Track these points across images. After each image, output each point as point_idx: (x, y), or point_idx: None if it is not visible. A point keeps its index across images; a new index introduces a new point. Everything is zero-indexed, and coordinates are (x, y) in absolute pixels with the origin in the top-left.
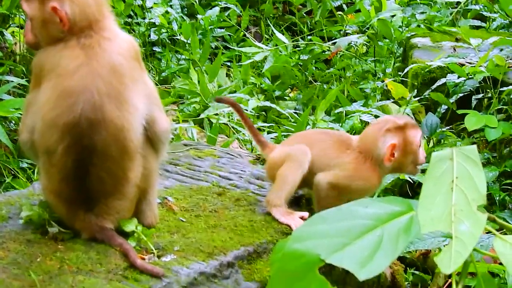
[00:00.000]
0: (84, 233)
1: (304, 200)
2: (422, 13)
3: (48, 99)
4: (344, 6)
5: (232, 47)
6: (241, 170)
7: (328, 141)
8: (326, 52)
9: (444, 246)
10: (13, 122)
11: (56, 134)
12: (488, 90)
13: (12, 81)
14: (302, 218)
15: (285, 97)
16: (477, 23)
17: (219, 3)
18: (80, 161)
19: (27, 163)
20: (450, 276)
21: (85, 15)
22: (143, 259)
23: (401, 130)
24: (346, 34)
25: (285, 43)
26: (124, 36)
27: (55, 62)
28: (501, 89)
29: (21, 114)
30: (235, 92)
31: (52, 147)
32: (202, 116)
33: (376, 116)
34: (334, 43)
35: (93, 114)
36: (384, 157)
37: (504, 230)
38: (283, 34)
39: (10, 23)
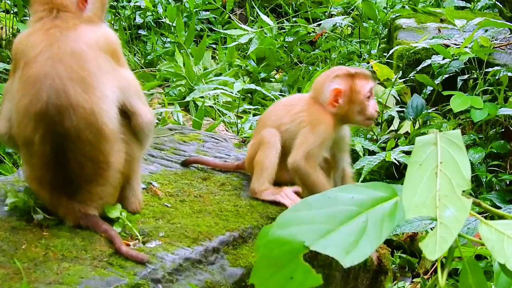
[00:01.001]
0: (68, 220)
1: None
2: None
3: (18, 87)
4: None
5: (217, 30)
6: (226, 155)
7: (279, 105)
8: (311, 34)
9: (431, 229)
10: None
11: (30, 123)
12: (474, 71)
13: None
14: (296, 193)
15: (270, 79)
16: (462, 3)
17: None
18: (58, 148)
19: None
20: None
21: None
22: (128, 245)
23: (350, 77)
24: (331, 16)
25: (270, 25)
26: (98, 29)
27: (23, 48)
28: (486, 70)
29: None
30: (220, 74)
31: (29, 137)
32: (187, 99)
33: None
34: (319, 25)
35: (58, 100)
36: (327, 101)
37: (489, 214)
38: (268, 16)
39: None
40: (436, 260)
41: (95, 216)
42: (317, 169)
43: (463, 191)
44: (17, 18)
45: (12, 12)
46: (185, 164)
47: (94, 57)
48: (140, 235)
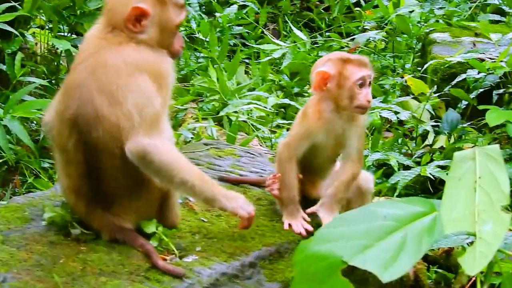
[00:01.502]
0: (103, 233)
1: None
2: (441, 8)
3: (60, 91)
4: (362, 1)
5: (250, 45)
6: (262, 169)
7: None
8: (345, 48)
9: (467, 244)
10: (35, 122)
11: (66, 129)
12: (509, 85)
13: (33, 82)
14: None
15: (304, 94)
16: (497, 17)
17: (237, 0)
18: (91, 158)
19: (48, 163)
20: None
21: (114, 12)
22: (165, 259)
23: (342, 62)
24: (364, 30)
25: (303, 39)
26: (147, 51)
27: (78, 50)
28: None
29: (42, 115)
30: (254, 89)
31: (64, 143)
32: (221, 114)
33: (396, 112)
34: (353, 39)
35: (86, 110)
36: (314, 84)
37: None
38: (301, 30)
39: (31, 24)
40: (473, 276)
41: (130, 230)
42: (290, 162)
43: (502, 206)
44: (52, 34)
45: (47, 27)
46: (223, 180)
47: (127, 74)
48: (177, 250)
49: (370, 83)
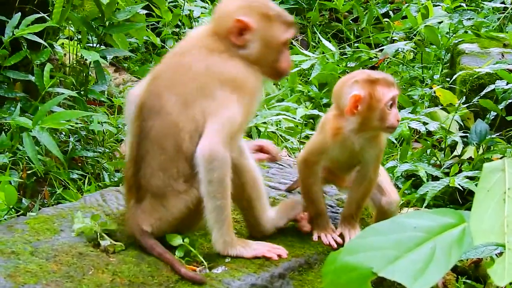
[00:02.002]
0: (126, 226)
1: None
2: (469, 19)
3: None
4: (391, 12)
5: None
6: (291, 180)
7: None
8: (373, 59)
9: (496, 255)
10: (64, 133)
11: (136, 110)
12: None
13: (62, 93)
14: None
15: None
16: None
17: None
18: (140, 145)
19: (77, 174)
20: (504, 287)
21: (221, 21)
22: (194, 270)
23: (371, 83)
24: (393, 41)
25: (332, 50)
26: (236, 65)
27: None
28: None
29: (71, 126)
30: (282, 100)
31: (132, 120)
32: (250, 125)
33: (425, 123)
34: (381, 50)
35: (152, 101)
36: (347, 108)
37: None
38: (330, 41)
39: (60, 35)
40: (502, 287)
41: (148, 234)
42: (311, 176)
43: None
44: (81, 45)
45: (76, 38)
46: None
47: (204, 80)
48: (206, 261)
49: (396, 102)
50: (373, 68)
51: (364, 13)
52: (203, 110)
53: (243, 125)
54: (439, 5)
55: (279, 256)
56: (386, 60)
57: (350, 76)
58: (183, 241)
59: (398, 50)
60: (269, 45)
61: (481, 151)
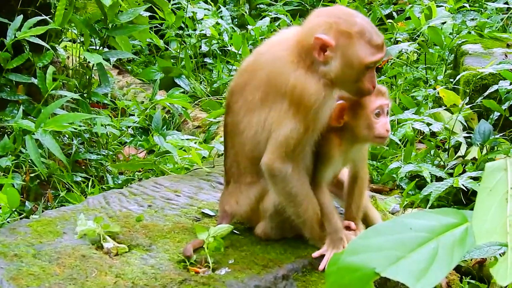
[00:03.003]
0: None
1: None
2: (473, 19)
3: None
4: (394, 13)
5: None
6: None
7: None
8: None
9: (499, 255)
10: (67, 136)
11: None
12: None
13: (65, 96)
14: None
15: None
16: None
17: (269, 13)
18: (224, 135)
19: (81, 176)
20: (506, 286)
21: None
22: (198, 272)
23: None
24: (396, 42)
25: None
26: (308, 80)
27: None
28: None
29: (74, 129)
30: None
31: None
32: None
33: (429, 124)
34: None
35: (229, 96)
36: (333, 117)
37: None
38: None
39: (63, 37)
40: (505, 286)
41: (227, 214)
42: (321, 188)
43: None
44: (84, 47)
45: (78, 41)
46: None
47: (269, 91)
48: (212, 263)
49: (387, 112)
50: (377, 69)
51: (368, 14)
52: (262, 119)
53: (303, 141)
54: (442, 6)
55: None
56: (390, 61)
57: None
58: (207, 239)
59: (401, 51)
60: (350, 65)
61: (484, 151)
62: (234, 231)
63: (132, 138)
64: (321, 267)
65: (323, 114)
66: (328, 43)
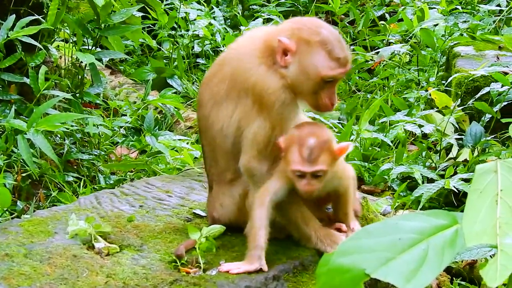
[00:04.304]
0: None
1: None
2: (465, 21)
3: None
4: (387, 15)
5: None
6: None
7: None
8: (369, 62)
9: (490, 257)
10: (59, 136)
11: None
12: None
13: (57, 96)
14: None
15: None
16: None
17: (262, 14)
18: (200, 134)
19: (72, 176)
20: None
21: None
22: (189, 273)
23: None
24: (389, 44)
25: None
26: (268, 77)
27: None
28: None
29: (66, 129)
30: None
31: None
32: None
33: (420, 126)
34: (377, 53)
35: (200, 92)
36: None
37: None
38: None
39: (55, 37)
40: None
41: (216, 220)
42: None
43: None
44: (76, 47)
45: (71, 41)
46: None
47: (233, 85)
48: (203, 263)
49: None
50: (370, 70)
51: (361, 15)
52: (229, 113)
53: (272, 139)
54: (435, 8)
55: None
56: (382, 63)
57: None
58: (199, 239)
59: (394, 52)
60: (306, 73)
61: (476, 153)
62: (227, 232)
63: (124, 138)
64: (223, 268)
65: (287, 116)
66: (288, 47)
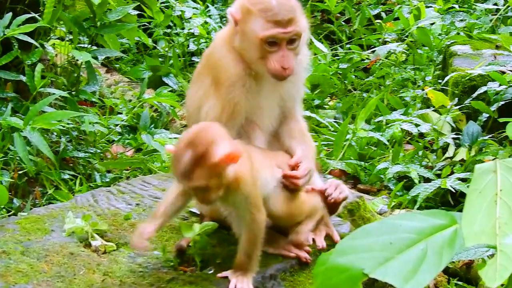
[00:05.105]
0: None
1: None
2: (462, 20)
3: None
4: (383, 14)
5: None
6: None
7: None
8: (365, 61)
9: (487, 257)
10: (55, 134)
11: None
12: None
13: (53, 94)
14: None
15: (324, 106)
16: None
17: None
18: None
19: (69, 174)
20: None
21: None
22: (185, 271)
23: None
24: (385, 42)
25: (324, 51)
26: (221, 49)
27: None
28: None
29: (62, 127)
30: None
31: None
32: None
33: (417, 125)
34: (373, 52)
35: None
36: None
37: None
38: (321, 42)
39: (51, 35)
40: None
41: (203, 216)
42: None
43: None
44: (72, 45)
45: (67, 39)
46: None
47: (203, 65)
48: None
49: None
50: (365, 69)
51: (356, 14)
52: (194, 92)
53: (223, 118)
54: (431, 7)
55: None
56: (378, 62)
57: None
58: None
59: (390, 51)
60: (248, 40)
61: (473, 153)
62: (222, 230)
63: (120, 136)
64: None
65: (238, 99)
66: (234, 17)
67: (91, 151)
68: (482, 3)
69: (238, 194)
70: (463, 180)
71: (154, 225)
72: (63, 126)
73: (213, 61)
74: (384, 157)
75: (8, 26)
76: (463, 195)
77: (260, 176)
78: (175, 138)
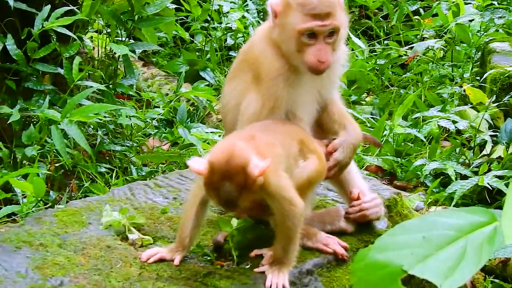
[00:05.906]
0: None
1: None
2: (501, 17)
3: None
4: (421, 10)
5: None
6: None
7: None
8: (403, 57)
9: None
10: (92, 127)
11: None
12: None
13: (91, 87)
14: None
15: (361, 102)
16: None
17: None
18: None
19: (105, 167)
20: None
21: None
22: (222, 265)
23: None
24: (423, 39)
25: (361, 47)
26: (260, 43)
27: None
28: None
29: (99, 120)
30: None
31: None
32: None
33: (454, 122)
34: (411, 48)
35: None
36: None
37: None
38: (359, 38)
39: (89, 28)
40: None
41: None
42: None
43: None
44: (110, 39)
45: (105, 32)
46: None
47: (241, 60)
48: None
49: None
50: (403, 65)
51: (394, 10)
52: (232, 88)
53: (263, 113)
54: (470, 3)
55: None
56: (416, 58)
57: None
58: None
59: (428, 48)
60: (286, 32)
61: (510, 150)
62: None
63: (156, 130)
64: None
65: (279, 93)
66: (274, 9)
67: (128, 144)
68: None
69: (267, 193)
70: (500, 177)
71: (180, 256)
72: (100, 119)
73: (252, 56)
74: (421, 153)
75: (46, 19)
76: (500, 192)
77: (286, 166)
78: (211, 132)
